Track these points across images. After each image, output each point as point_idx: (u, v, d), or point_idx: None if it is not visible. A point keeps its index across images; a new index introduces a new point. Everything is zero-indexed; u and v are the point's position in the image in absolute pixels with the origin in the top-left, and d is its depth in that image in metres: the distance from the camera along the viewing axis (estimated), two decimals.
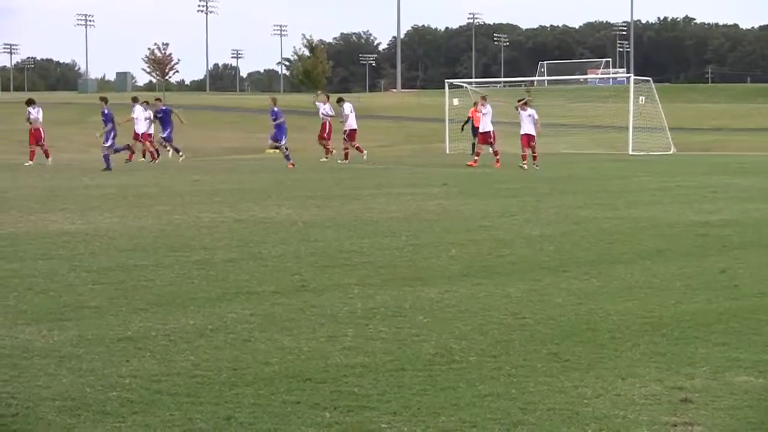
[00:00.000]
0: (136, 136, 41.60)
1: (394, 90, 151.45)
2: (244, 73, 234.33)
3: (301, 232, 15.39)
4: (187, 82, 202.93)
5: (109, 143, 34.83)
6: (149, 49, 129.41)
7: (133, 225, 16.20)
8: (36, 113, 39.15)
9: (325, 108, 42.75)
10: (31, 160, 38.08)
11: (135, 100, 43.63)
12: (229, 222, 16.80)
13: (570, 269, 11.90)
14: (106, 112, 35.39)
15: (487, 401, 6.39)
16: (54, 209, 18.61)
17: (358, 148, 41.93)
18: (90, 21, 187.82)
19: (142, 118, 41.61)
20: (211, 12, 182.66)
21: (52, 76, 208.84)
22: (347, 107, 42.24)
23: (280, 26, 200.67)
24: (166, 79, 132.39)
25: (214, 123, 76.98)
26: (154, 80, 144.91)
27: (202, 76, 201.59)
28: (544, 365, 7.31)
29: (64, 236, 14.52)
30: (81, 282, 10.72)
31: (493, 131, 37.49)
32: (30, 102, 40.10)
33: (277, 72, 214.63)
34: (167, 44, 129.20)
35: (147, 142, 41.84)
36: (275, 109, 37.68)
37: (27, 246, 13.56)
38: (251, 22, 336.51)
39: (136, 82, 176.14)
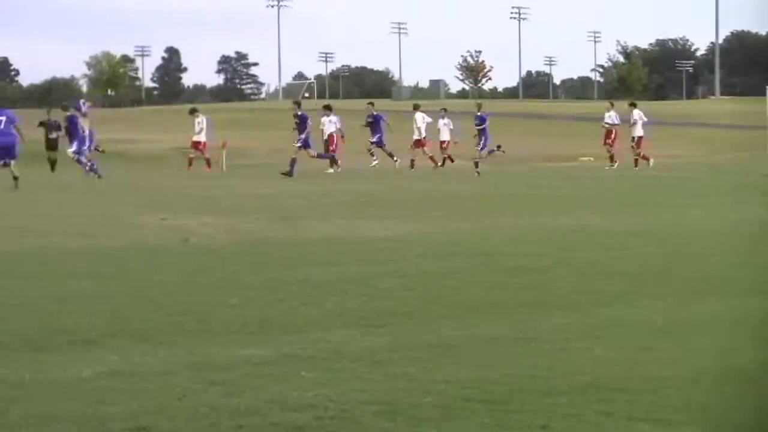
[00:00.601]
0: (418, 144, 42.03)
1: (712, 97, 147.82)
2: (557, 80, 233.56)
3: (616, 241, 15.15)
4: (500, 89, 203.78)
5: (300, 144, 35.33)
6: (462, 56, 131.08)
7: (447, 231, 16.30)
8: (330, 122, 39.67)
9: (610, 116, 42.38)
10: (331, 167, 38.73)
11: (416, 107, 43.97)
12: (543, 229, 16.69)
13: None
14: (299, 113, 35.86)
15: None
16: (366, 215, 18.95)
17: (643, 157, 41.34)
18: (403, 29, 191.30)
19: (423, 125, 41.94)
20: (523, 19, 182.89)
21: (366, 84, 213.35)
22: (636, 113, 41.75)
23: (594, 32, 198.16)
24: (479, 86, 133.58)
25: (527, 130, 77.03)
26: (467, 87, 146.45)
27: (515, 83, 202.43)
28: None
29: (377, 242, 14.73)
30: (394, 287, 10.82)
31: None
32: (327, 108, 40.99)
33: (590, 79, 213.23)
34: (480, 51, 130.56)
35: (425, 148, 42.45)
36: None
37: (343, 251, 13.83)
38: (564, 28, 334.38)
39: (449, 89, 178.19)
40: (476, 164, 36.98)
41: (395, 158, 41.34)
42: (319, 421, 6.07)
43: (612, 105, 43.95)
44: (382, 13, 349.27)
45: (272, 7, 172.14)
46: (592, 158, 45.69)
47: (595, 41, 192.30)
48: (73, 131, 35.02)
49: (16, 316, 9.14)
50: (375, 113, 42.02)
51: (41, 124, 41.37)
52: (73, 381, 6.88)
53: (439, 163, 42.71)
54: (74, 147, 34.47)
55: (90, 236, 15.14)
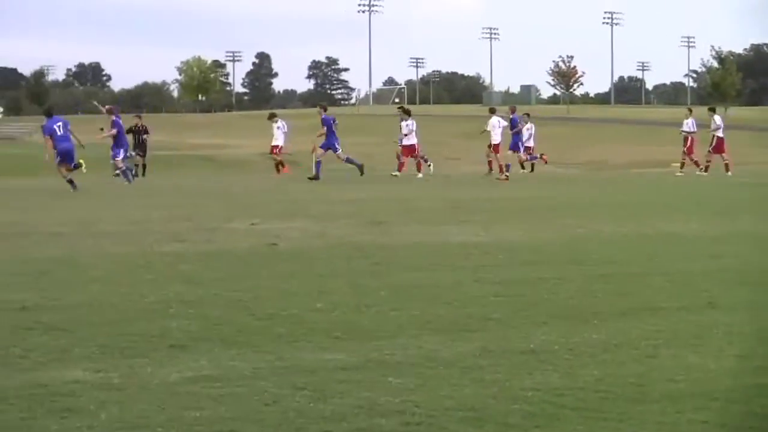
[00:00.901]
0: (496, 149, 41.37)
1: None
2: (650, 86, 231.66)
3: (707, 247, 14.95)
4: (592, 94, 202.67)
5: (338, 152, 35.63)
6: (554, 61, 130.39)
7: (536, 238, 16.20)
8: (406, 126, 39.10)
9: (687, 123, 41.89)
10: (419, 171, 38.53)
11: (492, 111, 43.36)
12: (633, 236, 16.53)
13: None
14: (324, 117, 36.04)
15: None
16: (456, 221, 18.86)
17: (700, 163, 40.87)
18: (495, 34, 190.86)
19: (499, 130, 41.30)
20: (616, 24, 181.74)
21: (456, 89, 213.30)
22: (717, 119, 41.40)
23: (688, 38, 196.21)
24: (571, 92, 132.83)
25: (619, 136, 76.50)
26: (559, 93, 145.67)
27: (606, 89, 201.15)
28: None
29: (468, 248, 14.67)
30: (484, 294, 10.75)
31: None
32: (405, 112, 40.54)
33: (683, 84, 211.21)
34: (572, 57, 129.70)
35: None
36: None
37: (432, 257, 13.77)
38: (658, 33, 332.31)
39: (540, 95, 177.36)
40: (523, 166, 37.13)
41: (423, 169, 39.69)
42: (405, 427, 6.05)
43: (690, 111, 43.42)
44: (474, 18, 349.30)
45: (363, 12, 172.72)
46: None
47: (689, 46, 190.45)
48: (119, 135, 35.18)
49: (105, 320, 9.21)
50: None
51: (129, 130, 41.73)
52: (161, 385, 6.92)
53: (527, 170, 42.52)
54: (121, 154, 34.84)
55: (180, 241, 15.24)
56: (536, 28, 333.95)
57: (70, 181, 28.72)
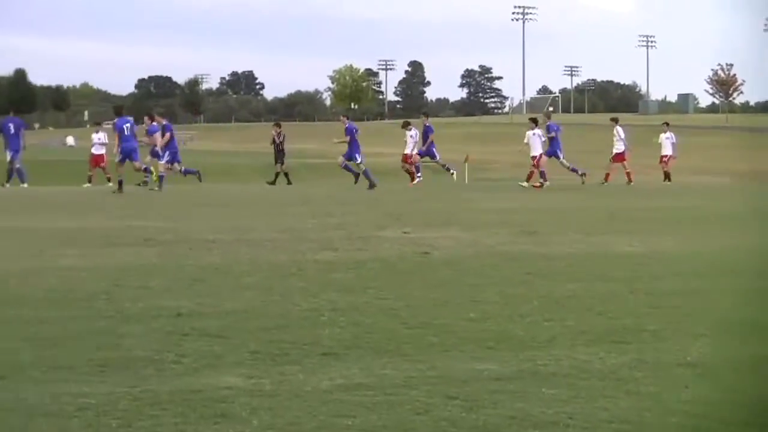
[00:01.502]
0: (619, 158, 40.43)
1: None
2: None
3: None
4: (752, 103, 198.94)
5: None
6: (713, 69, 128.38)
7: (692, 248, 15.92)
8: (534, 136, 38.22)
9: None
10: (545, 181, 38.11)
11: (615, 120, 42.27)
12: None
13: None
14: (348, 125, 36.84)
15: None
16: (608, 230, 18.61)
17: None
18: (651, 42, 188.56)
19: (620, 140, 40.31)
20: None
21: (612, 98, 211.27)
22: None
23: None
24: (730, 101, 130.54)
25: None
26: (717, 101, 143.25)
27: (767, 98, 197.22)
28: None
29: (623, 258, 14.47)
30: (639, 305, 10.59)
31: None
32: (533, 121, 39.80)
33: None
34: (731, 65, 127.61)
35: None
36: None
37: (586, 267, 13.62)
38: None
39: (698, 103, 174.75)
40: (543, 174, 36.41)
41: (451, 170, 40.49)
42: None
43: None
44: (629, 25, 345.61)
45: (517, 20, 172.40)
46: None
47: None
48: (171, 140, 34.78)
49: (258, 327, 9.27)
50: (427, 124, 40.06)
51: (273, 141, 42.08)
52: (312, 392, 6.93)
53: (664, 179, 41.89)
54: (166, 158, 34.31)
55: (332, 249, 15.30)
56: (694, 35, 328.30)
57: (120, 182, 29.95)
